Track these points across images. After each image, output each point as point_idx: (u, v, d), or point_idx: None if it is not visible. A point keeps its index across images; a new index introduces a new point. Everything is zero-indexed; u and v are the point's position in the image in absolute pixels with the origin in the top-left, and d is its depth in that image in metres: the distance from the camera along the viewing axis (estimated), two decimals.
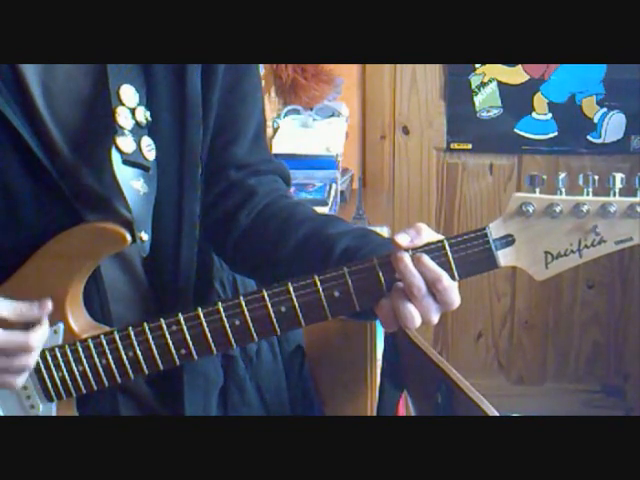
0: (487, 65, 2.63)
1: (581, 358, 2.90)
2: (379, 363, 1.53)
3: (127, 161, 0.97)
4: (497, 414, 1.15)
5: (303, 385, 1.35)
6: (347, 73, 2.59)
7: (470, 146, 2.72)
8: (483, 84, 2.65)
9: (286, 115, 2.48)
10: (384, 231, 2.22)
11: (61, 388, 0.99)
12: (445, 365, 1.30)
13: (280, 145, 2.31)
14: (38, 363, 0.97)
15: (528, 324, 2.88)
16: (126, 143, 0.98)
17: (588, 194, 0.90)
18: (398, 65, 2.67)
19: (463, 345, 2.92)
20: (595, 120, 2.65)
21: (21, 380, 0.96)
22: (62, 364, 0.98)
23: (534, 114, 2.66)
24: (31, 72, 0.97)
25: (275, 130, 2.41)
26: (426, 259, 0.90)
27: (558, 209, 0.90)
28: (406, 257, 0.90)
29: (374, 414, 1.50)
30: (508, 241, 0.92)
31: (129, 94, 0.99)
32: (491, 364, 2.93)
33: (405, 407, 1.57)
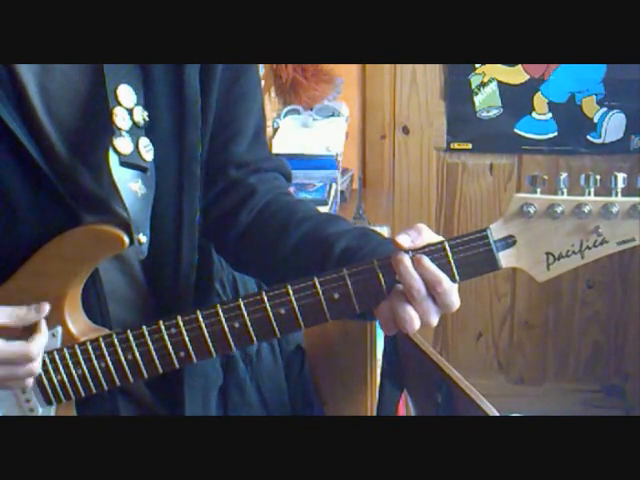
0: (487, 65, 2.63)
1: (581, 358, 2.90)
2: (379, 363, 1.53)
3: (125, 162, 0.97)
4: (497, 414, 1.15)
5: (303, 385, 1.35)
6: (347, 73, 2.59)
7: (470, 146, 2.72)
8: (483, 84, 2.65)
9: (286, 115, 2.48)
10: (384, 231, 2.22)
11: (60, 391, 0.99)
12: (445, 365, 1.29)
13: (280, 145, 2.31)
14: None
15: (528, 324, 2.88)
16: (123, 144, 0.97)
17: (590, 194, 0.89)
18: (398, 65, 2.67)
19: (463, 345, 2.92)
20: (595, 120, 2.65)
21: (30, 382, 0.96)
22: (61, 367, 0.98)
23: (534, 114, 2.66)
24: (28, 73, 0.96)
25: (275, 130, 2.41)
26: (426, 261, 0.89)
27: (559, 210, 0.89)
28: (406, 259, 0.90)
29: (374, 414, 1.50)
30: (509, 242, 0.91)
31: (126, 94, 0.98)
32: (491, 364, 2.93)
33: (405, 407, 1.57)
